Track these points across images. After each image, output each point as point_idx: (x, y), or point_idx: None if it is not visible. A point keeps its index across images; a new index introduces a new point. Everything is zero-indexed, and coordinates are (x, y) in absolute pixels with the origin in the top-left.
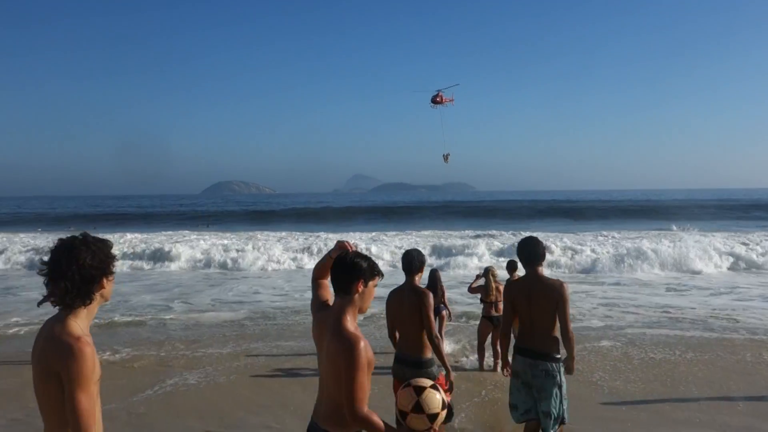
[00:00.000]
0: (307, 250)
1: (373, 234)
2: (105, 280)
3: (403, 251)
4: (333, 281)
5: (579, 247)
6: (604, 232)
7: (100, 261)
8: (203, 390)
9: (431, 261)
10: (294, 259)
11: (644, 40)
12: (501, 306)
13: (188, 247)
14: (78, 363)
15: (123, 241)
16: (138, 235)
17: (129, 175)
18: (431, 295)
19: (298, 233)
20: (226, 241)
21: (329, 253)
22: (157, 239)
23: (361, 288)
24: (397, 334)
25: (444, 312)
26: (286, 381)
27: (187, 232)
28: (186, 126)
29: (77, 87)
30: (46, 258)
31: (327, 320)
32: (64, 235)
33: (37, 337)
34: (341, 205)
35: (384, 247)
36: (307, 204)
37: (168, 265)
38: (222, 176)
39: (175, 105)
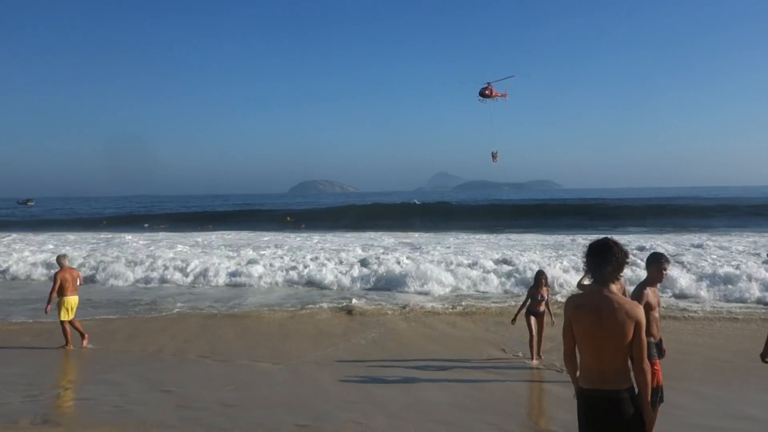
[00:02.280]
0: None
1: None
2: (624, 269)
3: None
4: None
5: None
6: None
7: (625, 255)
8: (291, 384)
9: None
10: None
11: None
12: None
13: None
14: (642, 315)
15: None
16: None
17: (220, 174)
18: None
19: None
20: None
21: None
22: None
23: None
24: None
25: (545, 316)
26: (372, 379)
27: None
28: (274, 126)
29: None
30: (585, 252)
31: None
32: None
33: (595, 304)
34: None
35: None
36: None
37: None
38: (308, 175)
39: (266, 105)
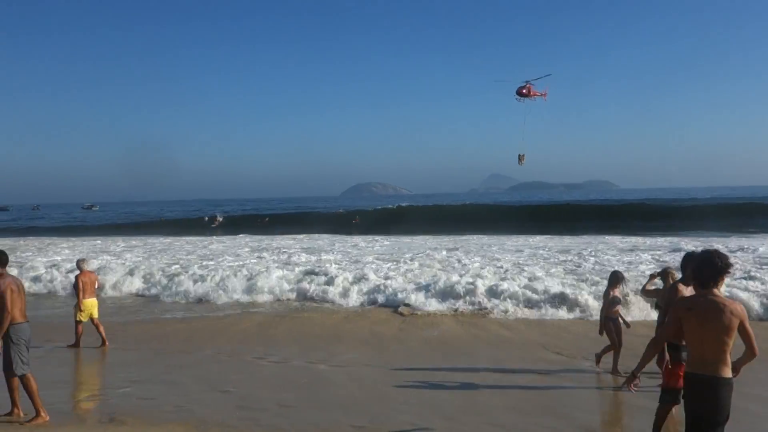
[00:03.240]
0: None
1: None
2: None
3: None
4: None
5: None
6: None
7: (726, 265)
8: (346, 386)
9: None
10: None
11: None
12: None
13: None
14: (745, 311)
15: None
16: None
17: (272, 178)
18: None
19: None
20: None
21: None
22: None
23: None
24: None
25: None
26: (426, 381)
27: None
28: (328, 129)
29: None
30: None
31: None
32: None
33: (703, 306)
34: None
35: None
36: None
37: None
38: (361, 178)
39: (318, 109)
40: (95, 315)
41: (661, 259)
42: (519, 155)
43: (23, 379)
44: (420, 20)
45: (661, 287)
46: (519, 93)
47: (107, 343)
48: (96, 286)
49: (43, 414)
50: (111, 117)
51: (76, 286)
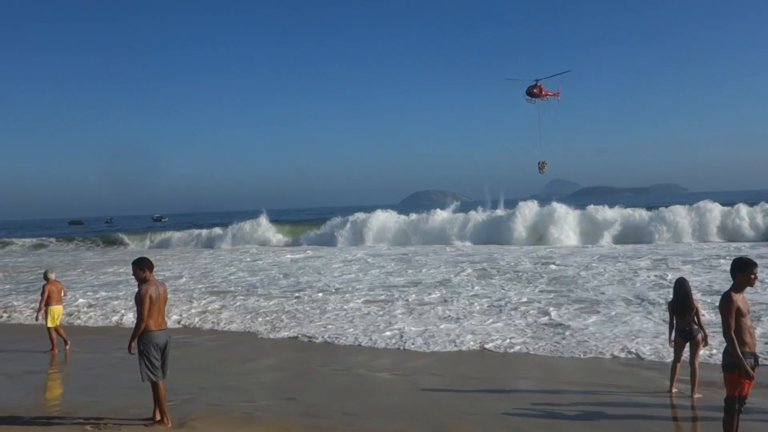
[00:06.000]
0: None
1: None
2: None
3: None
4: None
5: None
6: None
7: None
8: (410, 395)
9: None
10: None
11: None
12: None
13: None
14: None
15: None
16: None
17: (329, 188)
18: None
19: None
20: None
21: None
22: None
23: None
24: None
25: (699, 335)
26: (490, 392)
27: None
28: (387, 138)
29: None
30: None
31: None
32: None
33: None
34: None
35: None
36: None
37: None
38: (420, 186)
39: (382, 119)
40: (57, 323)
41: None
42: (539, 163)
43: (153, 385)
44: (472, 25)
45: None
46: (529, 93)
47: (57, 350)
48: (63, 294)
49: (166, 420)
50: (178, 136)
51: (42, 294)
